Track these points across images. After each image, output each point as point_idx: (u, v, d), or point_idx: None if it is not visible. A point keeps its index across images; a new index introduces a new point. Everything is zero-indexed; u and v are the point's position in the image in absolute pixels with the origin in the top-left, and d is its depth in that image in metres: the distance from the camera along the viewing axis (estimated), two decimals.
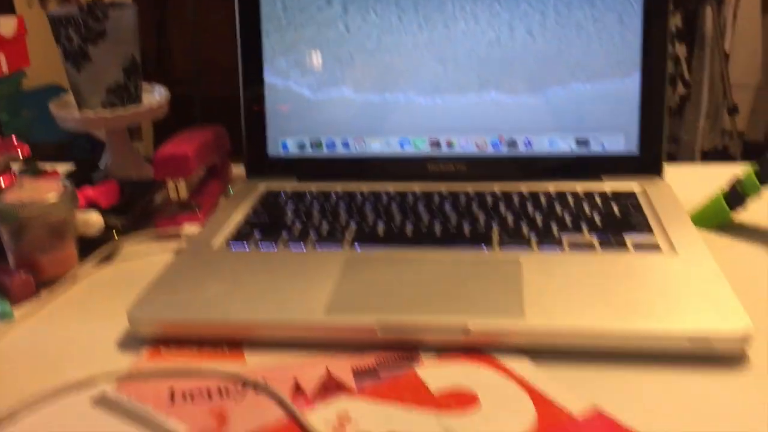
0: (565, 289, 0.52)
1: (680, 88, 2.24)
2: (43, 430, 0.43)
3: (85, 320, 0.56)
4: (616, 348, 0.47)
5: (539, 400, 0.44)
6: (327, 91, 0.74)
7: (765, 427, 0.41)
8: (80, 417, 0.44)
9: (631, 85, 0.70)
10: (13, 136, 0.64)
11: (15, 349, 0.52)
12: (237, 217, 0.68)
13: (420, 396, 0.45)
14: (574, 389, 0.45)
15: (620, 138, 0.71)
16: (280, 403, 0.45)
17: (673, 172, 0.72)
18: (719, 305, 0.49)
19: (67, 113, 0.76)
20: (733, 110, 2.17)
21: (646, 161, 0.71)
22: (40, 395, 0.46)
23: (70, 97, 0.79)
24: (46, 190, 0.59)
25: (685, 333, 0.46)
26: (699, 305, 0.49)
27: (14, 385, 0.48)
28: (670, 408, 0.43)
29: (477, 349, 0.49)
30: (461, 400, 0.45)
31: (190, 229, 0.67)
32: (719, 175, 0.68)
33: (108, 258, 0.65)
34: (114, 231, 0.66)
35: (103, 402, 0.45)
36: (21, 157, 0.64)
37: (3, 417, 0.44)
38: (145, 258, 0.65)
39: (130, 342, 0.52)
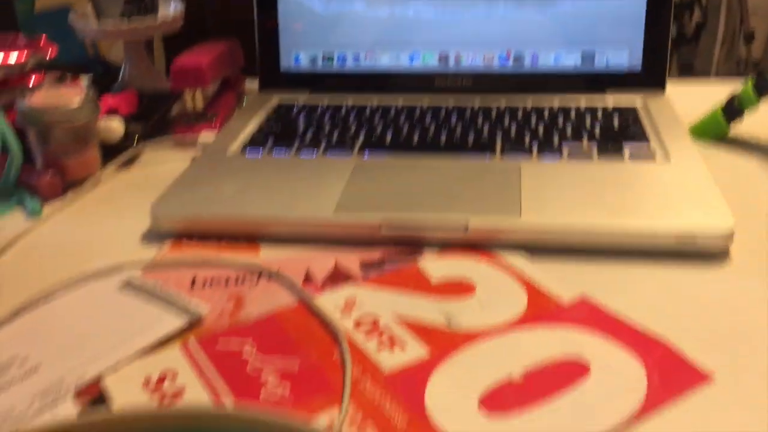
0: (561, 192, 0.55)
1: (697, 15, 2.21)
2: (73, 309, 0.48)
3: (110, 217, 0.59)
4: (606, 244, 0.51)
5: (531, 289, 0.48)
6: (338, 5, 0.76)
7: (742, 317, 0.44)
8: (108, 299, 0.48)
9: (638, 0, 0.71)
10: (44, 36, 0.66)
11: (45, 242, 0.56)
12: (251, 126, 0.70)
13: (421, 285, 0.49)
14: (565, 280, 0.48)
15: (625, 53, 0.73)
16: (292, 289, 0.49)
17: (677, 88, 0.73)
18: (706, 206, 0.51)
19: (85, 24, 0.79)
20: (749, 37, 2.15)
21: (650, 76, 0.72)
22: (71, 279, 0.50)
23: (89, 8, 0.81)
24: (70, 96, 0.62)
25: (672, 230, 0.49)
26: (687, 206, 0.52)
27: (46, 272, 0.52)
28: (654, 298, 0.46)
29: (476, 245, 0.53)
30: (459, 288, 0.48)
31: (207, 136, 0.70)
32: (722, 92, 0.70)
33: (129, 163, 0.68)
34: (134, 137, 0.69)
35: (130, 286, 0.50)
36: (48, 58, 0.66)
37: (38, 297, 0.48)
38: (164, 163, 0.68)
39: (153, 237, 0.56)
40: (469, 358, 0.42)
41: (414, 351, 0.43)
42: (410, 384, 0.40)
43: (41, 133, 0.62)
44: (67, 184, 0.63)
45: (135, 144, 0.69)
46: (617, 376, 0.40)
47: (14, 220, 0.59)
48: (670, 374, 0.40)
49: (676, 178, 0.56)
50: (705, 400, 0.38)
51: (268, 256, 0.53)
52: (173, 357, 0.43)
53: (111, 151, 0.67)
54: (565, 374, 0.40)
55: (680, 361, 0.41)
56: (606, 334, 0.43)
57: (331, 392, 0.40)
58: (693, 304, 0.46)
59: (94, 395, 0.40)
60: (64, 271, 0.52)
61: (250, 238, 0.55)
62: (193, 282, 0.50)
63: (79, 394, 0.40)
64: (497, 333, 0.44)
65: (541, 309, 0.46)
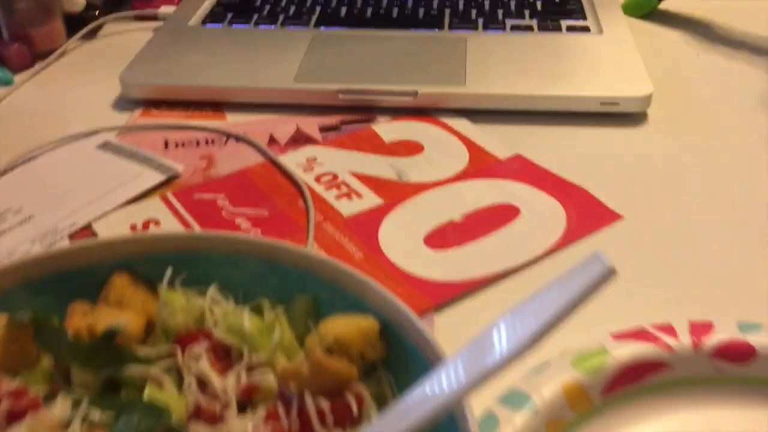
0: (503, 63, 0.60)
1: None
2: (58, 167, 0.52)
3: (80, 86, 0.62)
4: (540, 108, 0.56)
5: (473, 148, 0.54)
6: None
7: (653, 170, 0.51)
8: (89, 158, 0.53)
9: None
10: None
11: (21, 109, 0.60)
12: None
13: (375, 145, 0.55)
14: (502, 140, 0.54)
15: None
16: (259, 149, 0.54)
17: None
18: (629, 74, 0.57)
19: None
20: None
21: None
22: (51, 141, 0.54)
23: None
24: None
25: (597, 95, 0.55)
26: (612, 74, 0.58)
27: (25, 136, 0.55)
28: (579, 155, 0.53)
29: (424, 111, 0.58)
30: (409, 148, 0.54)
31: (166, 9, 0.72)
32: None
33: (92, 34, 0.71)
34: (95, 9, 0.71)
35: (108, 147, 0.54)
36: None
37: (23, 157, 0.52)
38: (125, 35, 0.71)
39: (124, 104, 0.60)
40: (416, 206, 0.48)
41: (368, 200, 0.49)
42: (366, 226, 0.46)
43: (5, 4, 0.63)
44: (35, 54, 0.65)
45: (96, 15, 0.71)
46: (542, 216, 0.47)
47: None
48: (587, 215, 0.47)
49: (606, 50, 0.61)
50: (616, 235, 0.45)
51: (233, 121, 0.58)
52: (154, 207, 0.48)
53: (73, 24, 0.69)
54: (498, 216, 0.47)
55: (596, 204, 0.48)
56: (535, 184, 0.50)
57: (298, 234, 0.46)
58: (612, 159, 0.52)
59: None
60: (43, 135, 0.55)
61: (216, 105, 0.59)
62: (166, 144, 0.55)
63: (73, 238, 0.45)
64: (442, 185, 0.50)
65: (481, 164, 0.52)
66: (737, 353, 0.34)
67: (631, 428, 0.33)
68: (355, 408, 0.28)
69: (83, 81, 0.63)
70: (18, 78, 0.63)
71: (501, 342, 0.22)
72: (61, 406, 0.28)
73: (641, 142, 0.54)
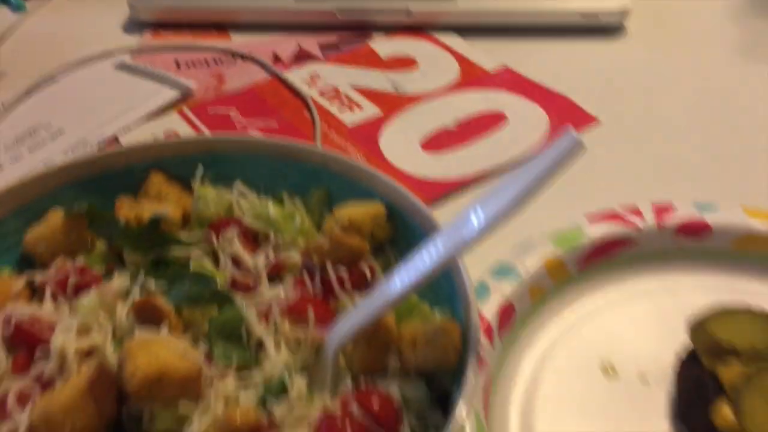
0: None
1: None
2: (79, 86, 0.56)
3: (90, 10, 0.66)
4: (525, 23, 0.60)
5: (463, 61, 0.58)
6: None
7: (629, 78, 0.56)
8: (107, 78, 0.57)
9: None
10: None
11: (36, 33, 0.63)
12: None
13: (372, 61, 0.59)
14: (491, 54, 0.58)
15: None
16: (264, 67, 0.58)
17: None
18: None
19: None
20: None
21: None
22: (69, 63, 0.58)
23: None
24: None
25: (578, 9, 0.59)
26: None
27: (43, 58, 0.59)
28: (561, 66, 0.57)
29: (417, 28, 0.62)
30: (404, 63, 0.58)
31: None
32: None
33: None
34: None
35: (124, 67, 0.58)
36: None
37: (45, 78, 0.56)
38: None
39: (133, 26, 0.63)
40: (413, 115, 0.53)
41: (369, 110, 0.53)
42: (367, 134, 0.51)
43: None
44: None
45: None
46: (527, 121, 0.51)
47: (1, 16, 0.65)
48: (567, 118, 0.51)
49: None
50: (593, 135, 0.50)
51: (238, 41, 0.61)
52: (173, 121, 0.52)
53: None
54: (487, 122, 0.51)
55: (576, 109, 0.52)
56: (520, 93, 0.54)
57: (306, 141, 0.50)
58: (592, 69, 0.57)
59: None
60: (60, 58, 0.59)
61: (220, 26, 0.63)
62: (177, 64, 0.59)
63: (102, 148, 0.50)
64: (435, 96, 0.54)
65: (471, 77, 0.56)
66: (695, 229, 0.39)
67: (602, 293, 0.38)
68: (369, 276, 0.34)
69: (92, 5, 0.66)
70: (30, 5, 0.66)
71: (478, 216, 0.27)
72: (120, 279, 0.33)
73: (619, 53, 0.58)
